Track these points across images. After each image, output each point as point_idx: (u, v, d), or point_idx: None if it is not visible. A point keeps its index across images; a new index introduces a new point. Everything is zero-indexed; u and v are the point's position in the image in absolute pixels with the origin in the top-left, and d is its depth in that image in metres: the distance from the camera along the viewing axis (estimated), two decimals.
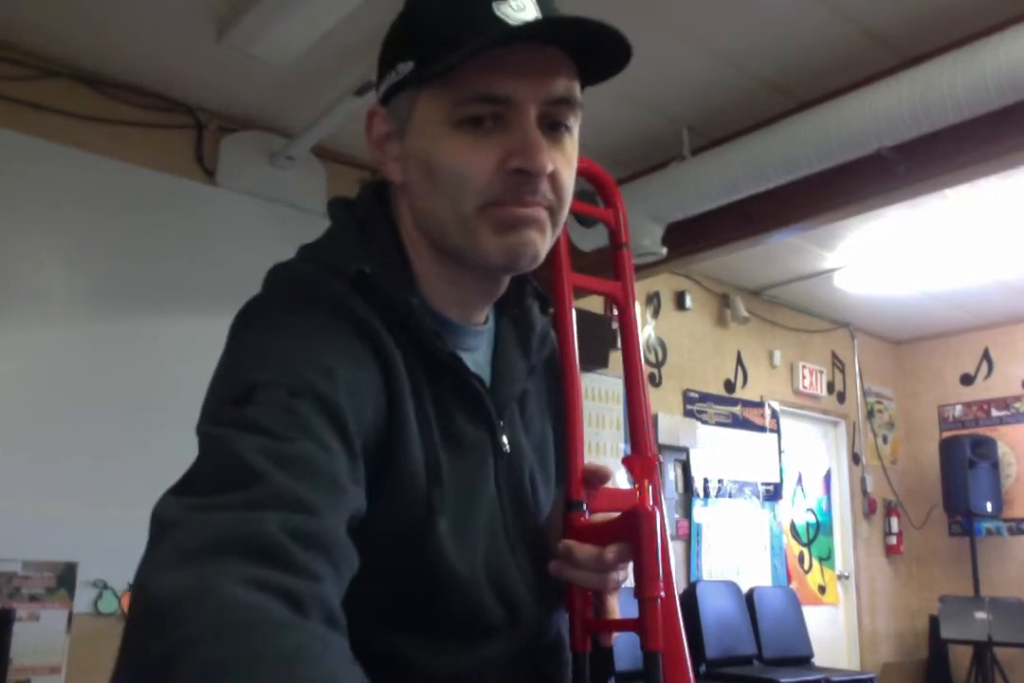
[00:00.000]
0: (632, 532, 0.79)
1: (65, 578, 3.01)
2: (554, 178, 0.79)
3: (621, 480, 0.95)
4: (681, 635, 0.85)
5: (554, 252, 0.93)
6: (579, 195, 0.90)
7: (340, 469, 0.66)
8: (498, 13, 0.74)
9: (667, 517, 5.02)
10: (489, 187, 0.76)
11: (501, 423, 0.88)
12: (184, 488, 0.62)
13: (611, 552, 0.81)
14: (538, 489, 0.94)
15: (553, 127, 0.79)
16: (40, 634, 2.93)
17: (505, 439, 0.88)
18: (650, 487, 0.87)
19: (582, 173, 0.94)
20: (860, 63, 3.24)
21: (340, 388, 0.70)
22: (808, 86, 3.41)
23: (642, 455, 0.90)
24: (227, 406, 0.68)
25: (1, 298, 3.08)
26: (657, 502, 0.86)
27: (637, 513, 0.80)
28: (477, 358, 0.90)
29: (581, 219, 1.01)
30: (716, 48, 3.22)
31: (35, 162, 3.23)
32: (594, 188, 1.04)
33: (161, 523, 0.58)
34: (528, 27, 0.75)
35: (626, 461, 0.91)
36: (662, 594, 0.80)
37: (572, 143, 0.83)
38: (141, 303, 3.36)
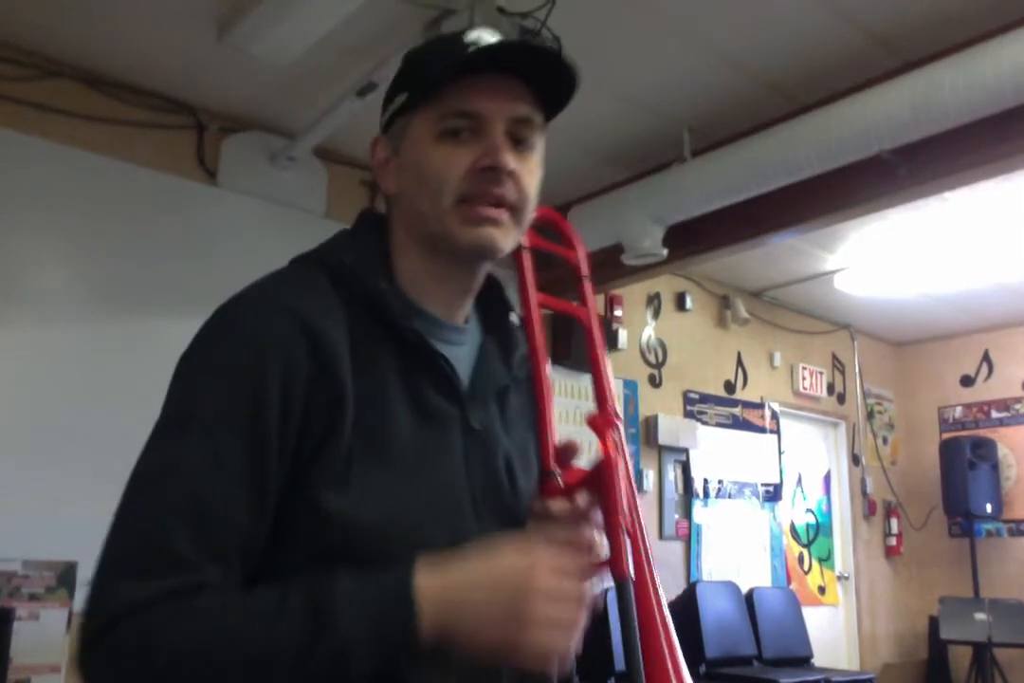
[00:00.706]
0: (597, 479, 0.92)
1: (65, 577, 3.01)
2: (517, 180, 0.95)
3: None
4: (651, 572, 0.92)
5: (521, 273, 1.09)
6: (540, 231, 1.07)
7: (238, 508, 0.84)
8: (471, 49, 0.93)
9: (668, 516, 5.04)
10: (462, 184, 0.93)
11: (474, 406, 1.00)
12: (114, 561, 0.87)
13: (580, 498, 0.94)
14: (516, 475, 1.03)
15: (518, 143, 0.96)
16: (40, 633, 2.94)
17: (477, 420, 0.99)
18: (612, 439, 0.96)
19: (543, 219, 1.10)
20: (861, 65, 3.24)
21: (267, 406, 0.86)
22: (809, 88, 3.41)
23: (605, 414, 1.01)
24: (167, 426, 0.87)
25: (1, 298, 3.09)
26: (619, 452, 0.95)
27: (600, 460, 0.93)
28: (459, 353, 1.02)
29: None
30: (717, 50, 3.22)
31: (36, 162, 3.23)
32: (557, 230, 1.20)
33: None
34: (487, 48, 0.93)
35: (590, 420, 1.00)
36: (625, 519, 0.90)
37: (535, 158, 0.99)
38: (141, 303, 3.36)
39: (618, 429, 0.98)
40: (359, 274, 0.96)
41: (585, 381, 4.73)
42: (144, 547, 0.83)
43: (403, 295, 0.98)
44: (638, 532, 0.92)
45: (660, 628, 0.89)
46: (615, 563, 0.88)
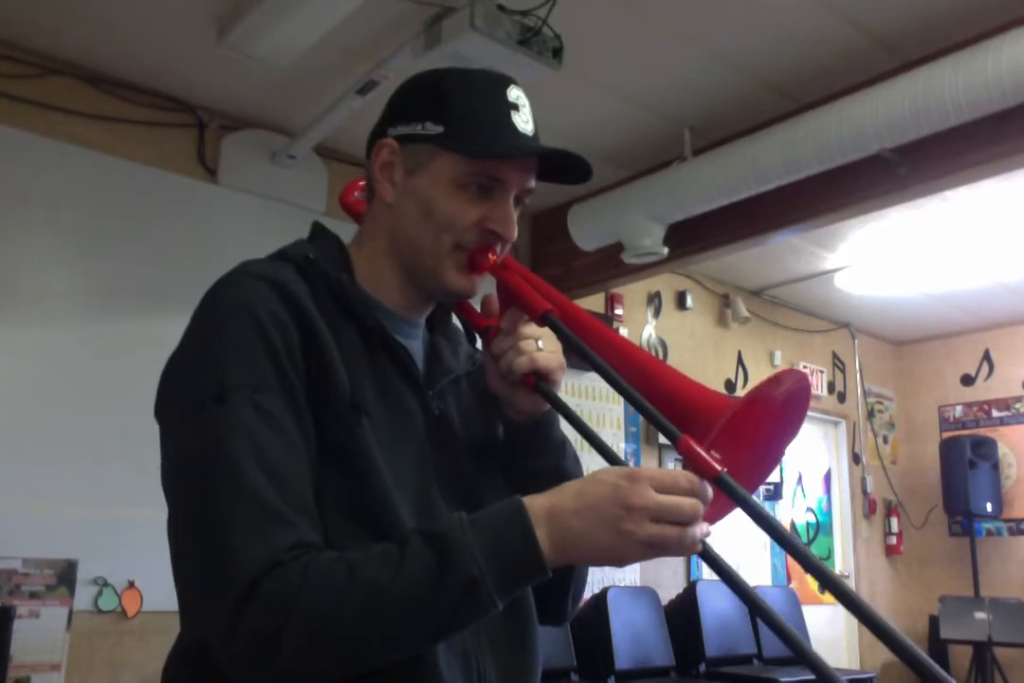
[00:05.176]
0: (504, 292, 1.07)
1: (65, 575, 3.01)
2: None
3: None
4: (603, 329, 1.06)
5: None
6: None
7: (305, 466, 0.90)
8: (514, 120, 1.03)
9: None
10: (465, 234, 1.03)
11: (431, 393, 1.06)
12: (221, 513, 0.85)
13: (508, 315, 1.06)
14: (478, 460, 1.09)
15: (517, 201, 1.07)
16: (40, 631, 2.94)
17: (436, 407, 1.06)
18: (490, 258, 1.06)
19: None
20: (861, 65, 3.24)
21: (283, 363, 0.92)
22: (809, 87, 3.41)
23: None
24: (208, 403, 0.89)
25: (1, 298, 3.09)
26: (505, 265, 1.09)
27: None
28: (414, 345, 1.09)
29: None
30: (718, 50, 3.22)
31: (36, 160, 3.23)
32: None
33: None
34: (539, 149, 1.05)
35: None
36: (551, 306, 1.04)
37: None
38: (141, 302, 3.36)
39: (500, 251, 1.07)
40: (322, 267, 1.02)
41: (585, 379, 4.73)
42: (249, 511, 0.84)
43: (362, 290, 1.05)
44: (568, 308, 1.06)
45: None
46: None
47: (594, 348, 0.99)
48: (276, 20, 2.86)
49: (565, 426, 1.11)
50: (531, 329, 1.05)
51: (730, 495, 0.86)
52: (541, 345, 1.04)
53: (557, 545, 0.84)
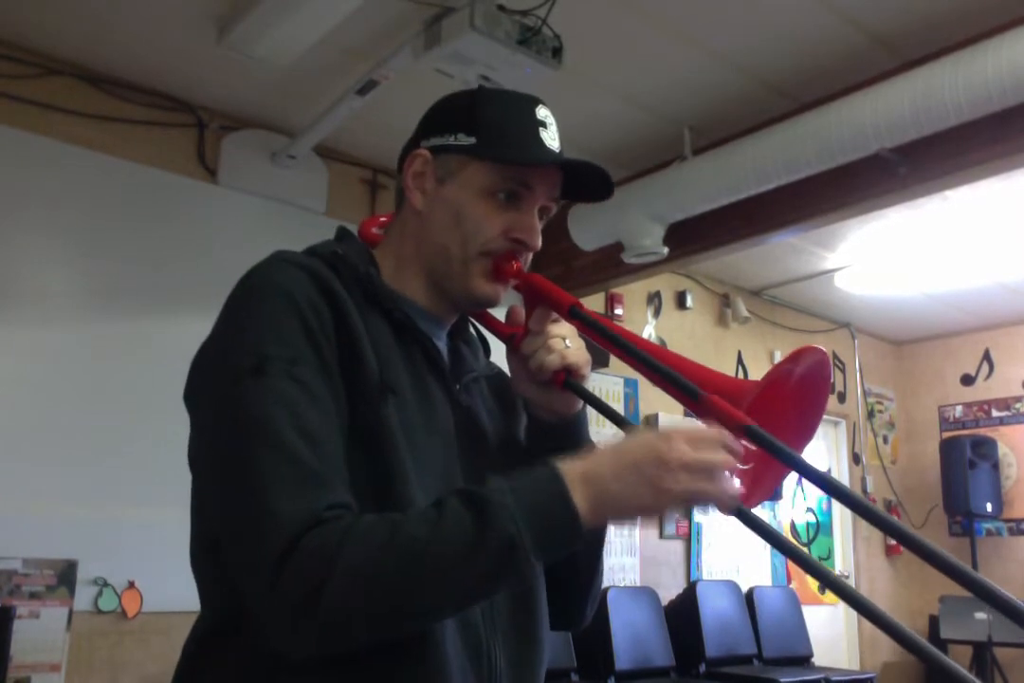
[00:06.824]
0: (532, 294, 1.10)
1: (65, 576, 3.01)
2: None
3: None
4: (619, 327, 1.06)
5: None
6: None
7: (338, 434, 0.92)
8: (542, 136, 1.09)
9: (668, 516, 5.04)
10: (492, 241, 1.07)
11: (458, 386, 1.10)
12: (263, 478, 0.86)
13: (537, 313, 1.09)
14: (505, 453, 1.11)
15: (540, 214, 1.12)
16: (40, 632, 2.94)
17: (463, 398, 1.10)
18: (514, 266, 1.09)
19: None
20: (861, 65, 3.24)
21: (320, 341, 0.95)
22: (809, 87, 3.41)
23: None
24: (247, 376, 0.91)
25: (1, 298, 3.09)
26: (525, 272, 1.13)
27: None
28: (439, 344, 1.12)
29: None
30: (717, 49, 3.22)
31: (36, 160, 3.23)
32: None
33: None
34: (566, 159, 1.10)
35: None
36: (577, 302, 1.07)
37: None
38: (141, 302, 3.36)
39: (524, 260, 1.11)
40: (351, 262, 1.06)
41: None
42: (288, 472, 0.86)
43: (388, 285, 1.09)
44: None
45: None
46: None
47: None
48: (276, 20, 2.86)
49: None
50: (558, 328, 1.08)
51: (763, 446, 0.89)
52: (569, 343, 1.07)
53: (595, 507, 0.85)
